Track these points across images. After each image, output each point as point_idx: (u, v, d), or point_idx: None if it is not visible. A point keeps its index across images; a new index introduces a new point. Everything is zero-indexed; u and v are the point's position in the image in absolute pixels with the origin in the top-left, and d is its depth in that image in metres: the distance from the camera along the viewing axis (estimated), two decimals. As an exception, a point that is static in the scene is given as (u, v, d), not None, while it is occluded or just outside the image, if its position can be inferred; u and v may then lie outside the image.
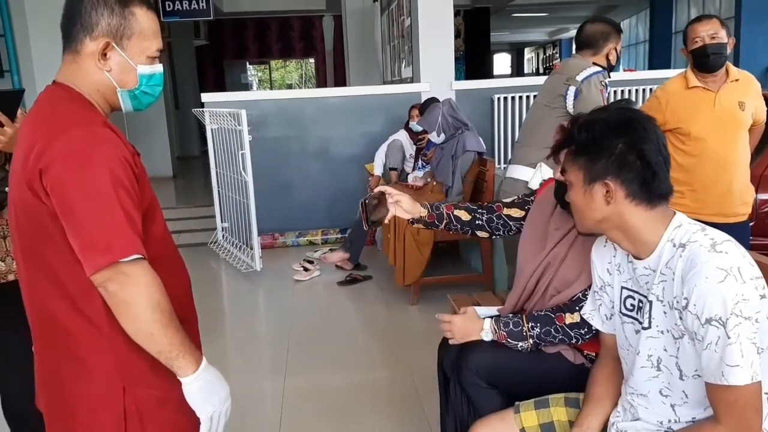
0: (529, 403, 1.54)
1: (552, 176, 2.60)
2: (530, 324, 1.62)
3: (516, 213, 1.86)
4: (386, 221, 1.78)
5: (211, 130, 4.89)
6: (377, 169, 4.73)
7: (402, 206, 1.78)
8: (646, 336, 1.27)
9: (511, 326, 1.63)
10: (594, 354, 1.58)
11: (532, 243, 1.72)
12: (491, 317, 1.71)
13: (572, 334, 1.59)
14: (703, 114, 2.56)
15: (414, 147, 4.65)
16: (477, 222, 1.87)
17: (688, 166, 2.58)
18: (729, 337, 1.09)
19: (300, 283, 4.25)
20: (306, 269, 4.38)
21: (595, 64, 2.66)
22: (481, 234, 1.89)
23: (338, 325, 3.55)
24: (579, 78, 2.60)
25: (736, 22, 9.99)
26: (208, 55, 13.32)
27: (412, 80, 5.57)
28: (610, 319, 1.43)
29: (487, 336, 1.65)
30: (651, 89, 5.37)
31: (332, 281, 4.21)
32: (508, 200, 1.90)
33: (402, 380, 2.81)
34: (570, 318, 1.58)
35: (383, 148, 4.70)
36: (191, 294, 1.35)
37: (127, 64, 1.19)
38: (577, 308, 1.58)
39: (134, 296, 1.08)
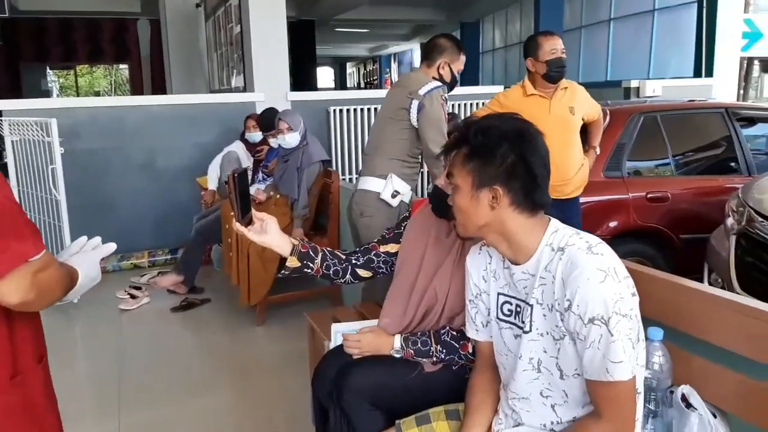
0: (410, 420, 1.49)
1: (400, 189, 2.65)
2: (438, 347, 1.61)
3: (393, 248, 1.80)
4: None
5: (12, 141, 4.23)
6: (211, 182, 4.43)
7: (268, 230, 1.58)
8: (528, 340, 1.28)
9: (419, 345, 1.63)
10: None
11: (412, 264, 1.70)
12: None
13: (472, 360, 1.58)
14: (541, 119, 2.77)
15: (251, 159, 4.44)
16: (354, 262, 1.78)
17: None
18: (612, 335, 1.12)
19: (127, 312, 3.82)
20: (133, 296, 3.96)
21: (434, 78, 2.73)
22: (362, 273, 1.79)
23: (175, 355, 3.23)
24: (421, 92, 2.63)
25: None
26: (2, 57, 11.71)
27: (244, 89, 5.35)
28: (486, 326, 1.43)
29: (398, 353, 1.64)
30: (464, 105, 5.77)
31: (165, 307, 3.84)
32: (380, 237, 1.84)
33: (253, 408, 2.61)
34: (472, 347, 1.58)
35: (217, 160, 4.43)
36: None
37: None
38: None
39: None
